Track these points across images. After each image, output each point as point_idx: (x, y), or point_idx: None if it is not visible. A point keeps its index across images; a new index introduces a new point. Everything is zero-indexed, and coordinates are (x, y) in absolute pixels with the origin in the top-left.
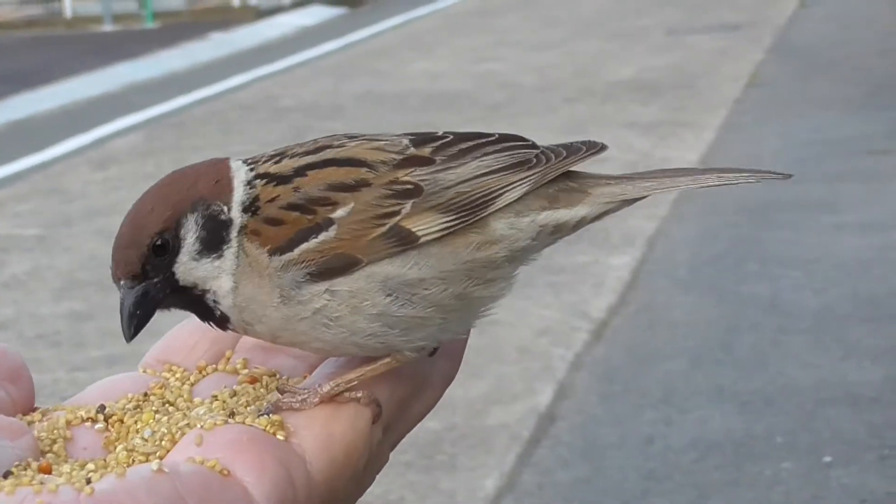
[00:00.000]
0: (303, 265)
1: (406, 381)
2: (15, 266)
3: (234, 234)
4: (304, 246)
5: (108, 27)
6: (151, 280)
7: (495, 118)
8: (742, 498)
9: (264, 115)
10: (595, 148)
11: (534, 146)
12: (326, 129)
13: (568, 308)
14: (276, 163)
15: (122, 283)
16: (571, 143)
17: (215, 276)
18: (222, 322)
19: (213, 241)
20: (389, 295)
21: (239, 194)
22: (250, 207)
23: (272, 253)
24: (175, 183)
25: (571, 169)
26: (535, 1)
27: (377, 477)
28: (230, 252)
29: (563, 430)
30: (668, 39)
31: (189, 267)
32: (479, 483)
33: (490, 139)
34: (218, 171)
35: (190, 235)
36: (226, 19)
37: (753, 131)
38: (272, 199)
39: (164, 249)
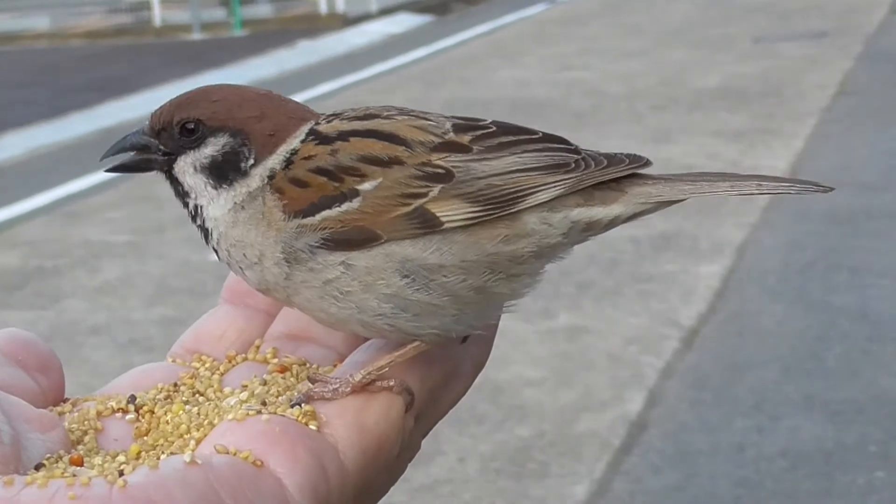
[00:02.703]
0: (320, 232)
1: (437, 369)
2: (108, 272)
3: (242, 183)
4: (326, 213)
5: (196, 35)
6: (157, 144)
7: (581, 126)
8: None
9: None
10: (639, 162)
11: (576, 151)
12: None
13: (657, 316)
14: (328, 122)
15: (144, 125)
16: (615, 154)
17: (203, 195)
18: (215, 251)
19: (219, 172)
20: (406, 277)
21: (277, 158)
22: (285, 160)
23: (292, 214)
24: (255, 104)
25: None
26: (619, 9)
27: (470, 484)
28: (233, 191)
29: (654, 437)
30: (755, 47)
31: (184, 167)
32: (569, 490)
33: (533, 137)
34: (282, 128)
35: (208, 149)
36: (313, 27)
37: (842, 140)
38: (308, 157)
39: (186, 134)
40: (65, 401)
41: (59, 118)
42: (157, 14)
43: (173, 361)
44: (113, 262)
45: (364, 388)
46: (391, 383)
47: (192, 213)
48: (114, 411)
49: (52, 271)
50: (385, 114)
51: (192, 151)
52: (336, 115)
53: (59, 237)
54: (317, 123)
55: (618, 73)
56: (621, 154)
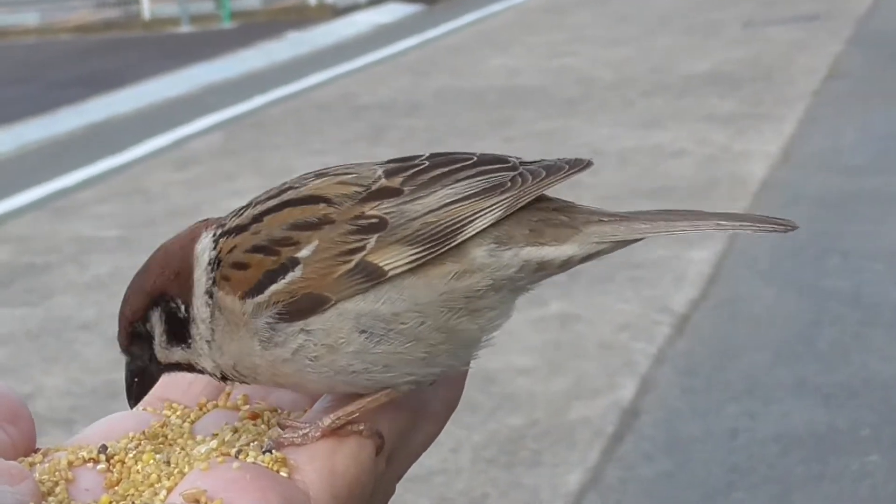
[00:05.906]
0: (274, 307)
1: (407, 411)
2: (97, 267)
3: (197, 327)
4: (273, 287)
5: (185, 28)
6: (141, 356)
7: (572, 113)
8: (827, 491)
9: (342, 114)
10: (580, 165)
11: (513, 167)
12: (405, 127)
13: (649, 302)
14: (238, 216)
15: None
16: (555, 161)
17: (191, 358)
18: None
19: (177, 335)
20: (363, 332)
21: (201, 285)
22: (214, 264)
23: (243, 297)
24: (149, 271)
25: (565, 201)
26: None
27: (463, 474)
28: (200, 336)
29: (646, 424)
30: (744, 32)
31: (165, 352)
32: (562, 479)
33: (467, 163)
34: (181, 260)
35: (157, 328)
36: (302, 18)
37: (833, 123)
38: (231, 250)
39: (139, 337)
40: (35, 451)
41: (48, 113)
42: (146, 7)
43: (144, 409)
44: (103, 257)
45: (333, 432)
46: (361, 427)
47: (202, 373)
48: (85, 461)
49: (41, 267)
50: (299, 184)
51: (154, 343)
52: (247, 205)
53: (48, 233)
54: (221, 225)
55: (607, 60)
56: (561, 161)
